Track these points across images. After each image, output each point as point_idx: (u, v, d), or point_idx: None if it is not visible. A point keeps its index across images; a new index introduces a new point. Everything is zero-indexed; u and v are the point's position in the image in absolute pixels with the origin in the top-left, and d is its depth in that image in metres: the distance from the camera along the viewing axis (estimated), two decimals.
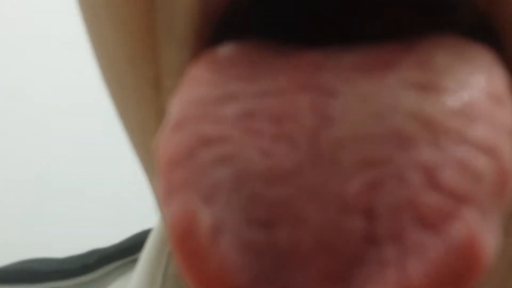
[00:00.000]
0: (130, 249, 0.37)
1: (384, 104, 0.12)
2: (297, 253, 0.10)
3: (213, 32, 0.15)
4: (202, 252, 0.10)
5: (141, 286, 0.29)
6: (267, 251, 0.10)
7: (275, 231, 0.10)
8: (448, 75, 0.12)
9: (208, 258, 0.10)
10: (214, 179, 0.11)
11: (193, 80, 0.13)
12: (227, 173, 0.11)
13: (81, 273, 0.37)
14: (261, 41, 0.14)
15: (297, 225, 0.11)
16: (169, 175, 0.11)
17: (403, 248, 0.10)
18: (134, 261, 0.36)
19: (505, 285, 0.16)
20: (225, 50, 0.14)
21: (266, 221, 0.11)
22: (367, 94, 0.12)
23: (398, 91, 0.12)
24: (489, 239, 0.10)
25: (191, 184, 0.11)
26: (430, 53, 0.13)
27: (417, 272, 0.10)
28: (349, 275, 0.10)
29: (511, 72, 0.13)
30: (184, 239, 0.10)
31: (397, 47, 0.13)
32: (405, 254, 0.10)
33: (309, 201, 0.11)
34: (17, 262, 0.38)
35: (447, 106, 0.11)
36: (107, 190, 1.07)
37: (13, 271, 0.36)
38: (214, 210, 0.11)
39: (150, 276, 0.30)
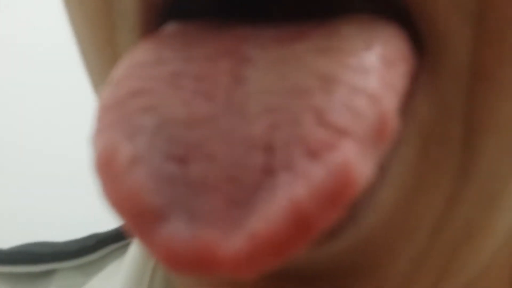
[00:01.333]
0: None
1: (290, 66, 0.14)
2: (206, 184, 0.12)
3: (160, 19, 0.17)
4: (119, 177, 0.12)
5: (133, 266, 0.31)
6: (179, 182, 0.12)
7: (189, 166, 0.12)
8: (349, 41, 0.14)
9: (124, 183, 0.12)
10: (138, 122, 0.13)
11: (135, 50, 0.15)
12: (150, 118, 0.13)
13: (80, 255, 0.39)
14: (202, 22, 0.16)
15: (208, 161, 0.12)
16: (99, 120, 0.13)
17: (293, 175, 0.12)
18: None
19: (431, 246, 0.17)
20: (167, 28, 0.16)
21: (181, 157, 0.12)
22: (277, 59, 0.14)
23: (304, 55, 0.14)
24: (363, 168, 0.12)
25: (117, 125, 0.13)
26: (338, 26, 0.15)
27: (304, 194, 0.12)
28: (249, 200, 0.12)
29: (420, 46, 0.15)
30: (105, 167, 0.12)
31: (313, 23, 0.15)
32: (294, 180, 0.12)
33: (220, 142, 0.13)
34: (19, 245, 0.40)
35: (344, 64, 0.13)
36: None
37: (16, 253, 0.38)
38: (134, 145, 0.12)
39: (141, 257, 0.31)
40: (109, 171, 0.12)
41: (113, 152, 0.12)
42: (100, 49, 0.18)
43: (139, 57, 0.15)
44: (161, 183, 0.12)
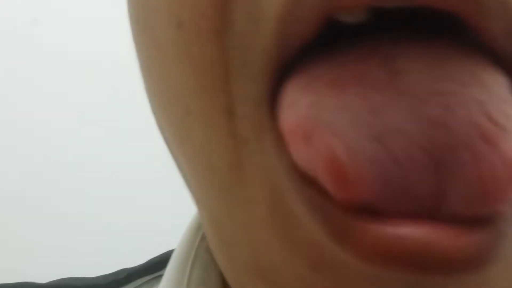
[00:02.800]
0: (156, 265, 0.41)
1: (442, 71, 0.16)
2: (411, 157, 0.15)
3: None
4: (346, 172, 0.15)
5: None
6: (385, 159, 0.15)
7: (386, 143, 0.15)
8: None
9: (350, 177, 0.15)
10: (333, 118, 0.15)
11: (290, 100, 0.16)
12: (341, 113, 0.15)
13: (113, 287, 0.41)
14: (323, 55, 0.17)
15: (401, 136, 0.15)
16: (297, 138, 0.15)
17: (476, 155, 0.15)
18: (161, 276, 0.39)
19: None
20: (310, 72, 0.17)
21: (377, 136, 0.15)
22: (427, 68, 0.16)
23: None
24: None
25: (319, 127, 0.15)
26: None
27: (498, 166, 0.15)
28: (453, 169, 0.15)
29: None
30: (330, 167, 0.15)
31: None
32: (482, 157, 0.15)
33: (404, 120, 0.15)
34: (55, 280, 0.41)
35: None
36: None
37: (54, 286, 0.40)
38: (346, 142, 0.15)
39: (175, 283, 0.32)
40: (336, 169, 0.15)
41: (334, 154, 0.15)
42: (205, 98, 0.18)
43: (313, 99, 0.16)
44: (374, 167, 0.15)
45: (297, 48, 0.16)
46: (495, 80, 0.16)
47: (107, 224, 1.11)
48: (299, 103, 0.16)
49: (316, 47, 0.17)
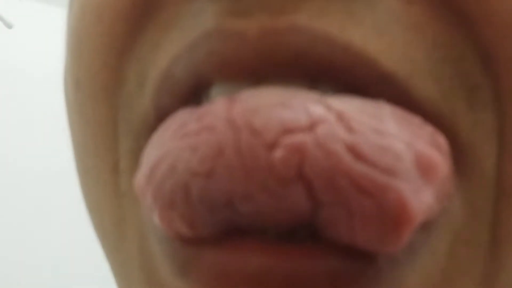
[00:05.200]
0: None
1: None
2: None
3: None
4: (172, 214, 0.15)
5: None
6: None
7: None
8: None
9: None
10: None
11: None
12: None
13: None
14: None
15: (249, 202, 0.14)
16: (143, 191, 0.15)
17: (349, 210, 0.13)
18: None
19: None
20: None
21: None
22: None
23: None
24: (420, 205, 0.14)
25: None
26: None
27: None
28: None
29: None
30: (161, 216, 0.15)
31: None
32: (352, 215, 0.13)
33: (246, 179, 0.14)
34: None
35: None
36: None
37: None
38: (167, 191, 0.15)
39: None
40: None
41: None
42: (99, 155, 0.19)
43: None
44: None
45: (176, 108, 0.16)
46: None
47: None
48: (146, 158, 0.16)
49: None
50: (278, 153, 0.13)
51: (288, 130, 0.13)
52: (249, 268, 0.14)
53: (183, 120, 0.15)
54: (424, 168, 0.14)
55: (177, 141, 0.15)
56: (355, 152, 0.13)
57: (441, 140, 0.15)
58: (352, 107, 0.14)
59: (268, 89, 0.15)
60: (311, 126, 0.13)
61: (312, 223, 0.14)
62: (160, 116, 0.17)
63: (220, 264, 0.14)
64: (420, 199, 0.14)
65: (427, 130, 0.15)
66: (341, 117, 0.14)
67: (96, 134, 0.18)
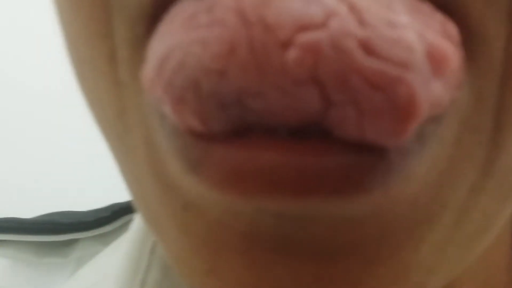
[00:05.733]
0: None
1: None
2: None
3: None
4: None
5: (135, 243, 0.32)
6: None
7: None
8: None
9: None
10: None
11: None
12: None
13: (97, 225, 0.41)
14: None
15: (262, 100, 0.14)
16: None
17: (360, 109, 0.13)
18: None
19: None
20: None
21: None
22: None
23: None
24: (429, 97, 0.13)
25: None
26: None
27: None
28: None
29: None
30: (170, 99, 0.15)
31: None
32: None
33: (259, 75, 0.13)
34: (43, 215, 0.42)
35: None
36: None
37: (39, 223, 0.41)
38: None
39: (142, 232, 0.32)
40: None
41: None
42: (92, 44, 0.18)
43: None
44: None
45: None
46: None
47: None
48: (154, 50, 0.15)
49: None
50: (292, 54, 0.13)
51: (303, 27, 0.13)
52: (260, 164, 0.14)
53: (192, 10, 0.14)
54: (436, 60, 0.14)
55: (187, 34, 0.14)
56: (367, 48, 0.13)
57: (452, 29, 0.15)
58: None
59: None
60: (325, 21, 0.13)
61: (322, 122, 0.14)
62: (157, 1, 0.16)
63: (231, 160, 0.14)
64: (431, 91, 0.14)
65: (438, 18, 0.14)
66: (353, 8, 0.13)
67: (89, 20, 0.18)
